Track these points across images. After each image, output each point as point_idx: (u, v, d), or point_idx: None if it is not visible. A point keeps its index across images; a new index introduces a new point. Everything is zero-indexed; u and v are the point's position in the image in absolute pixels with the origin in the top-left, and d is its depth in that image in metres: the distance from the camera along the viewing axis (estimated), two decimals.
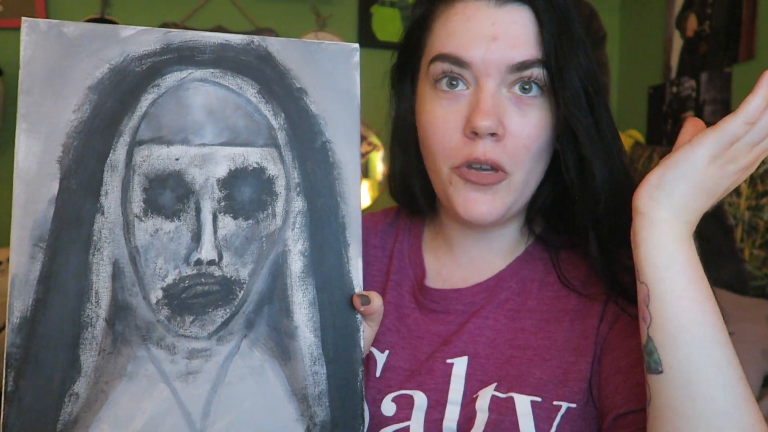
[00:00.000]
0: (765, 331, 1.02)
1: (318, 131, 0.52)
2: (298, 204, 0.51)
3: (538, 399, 0.55)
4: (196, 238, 0.48)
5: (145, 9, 1.94)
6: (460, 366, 0.59)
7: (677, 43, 1.87)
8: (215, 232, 0.48)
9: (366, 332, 0.53)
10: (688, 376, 0.45)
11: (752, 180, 1.26)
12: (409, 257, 0.66)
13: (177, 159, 0.48)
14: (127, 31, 0.48)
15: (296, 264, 0.51)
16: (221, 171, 0.49)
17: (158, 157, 0.47)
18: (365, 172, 2.09)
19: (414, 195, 0.65)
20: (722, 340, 0.46)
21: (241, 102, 0.50)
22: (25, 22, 0.46)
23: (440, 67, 0.56)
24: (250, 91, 0.50)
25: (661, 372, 0.45)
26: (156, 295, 0.47)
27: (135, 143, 0.47)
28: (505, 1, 0.54)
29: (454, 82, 0.55)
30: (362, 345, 0.52)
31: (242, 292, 0.49)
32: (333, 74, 0.54)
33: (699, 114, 1.74)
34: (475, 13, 0.54)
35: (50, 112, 0.45)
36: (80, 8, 1.90)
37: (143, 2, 1.93)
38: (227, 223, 0.49)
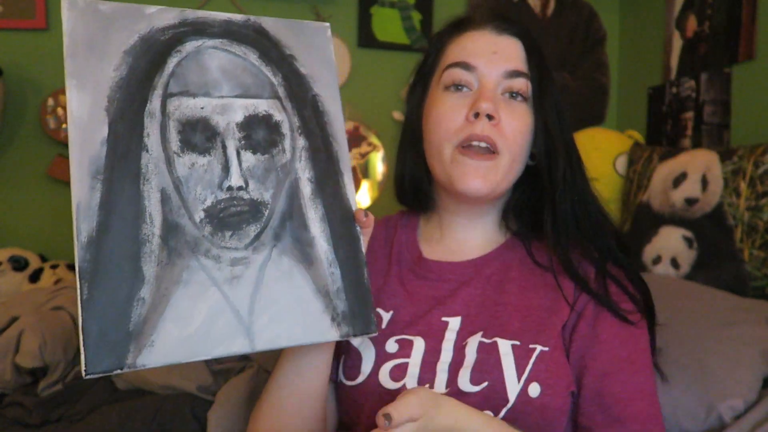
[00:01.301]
0: (765, 332, 1.02)
1: (308, 87, 0.64)
2: (301, 142, 0.63)
3: (518, 342, 0.68)
4: (226, 169, 0.57)
5: None
6: (453, 323, 0.72)
7: (677, 44, 1.87)
8: (240, 164, 0.58)
9: (363, 241, 0.66)
10: None
11: (752, 180, 1.26)
12: (407, 245, 0.83)
13: (202, 108, 0.58)
14: (151, 9, 0.58)
15: (306, 188, 0.62)
16: (239, 117, 0.59)
17: (187, 106, 0.57)
18: (365, 172, 2.09)
19: (421, 186, 0.81)
20: None
21: (247, 64, 0.61)
22: (66, 2, 0.55)
23: (452, 73, 0.74)
24: (252, 56, 0.62)
25: None
26: (199, 215, 0.56)
27: (167, 95, 0.57)
28: (502, 32, 0.75)
29: (460, 87, 0.74)
30: (363, 249, 0.65)
31: (267, 210, 0.59)
32: (314, 45, 0.66)
33: (699, 114, 1.74)
34: (480, 37, 0.75)
35: (94, 71, 0.54)
36: None
37: (143, 2, 1.93)
38: (248, 158, 0.59)
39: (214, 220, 0.56)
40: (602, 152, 1.71)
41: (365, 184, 2.08)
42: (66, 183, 1.92)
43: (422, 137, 0.78)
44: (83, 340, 0.49)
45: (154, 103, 0.56)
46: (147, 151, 0.55)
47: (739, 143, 1.56)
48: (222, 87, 0.59)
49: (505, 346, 0.68)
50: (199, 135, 0.57)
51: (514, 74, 0.72)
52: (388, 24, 2.06)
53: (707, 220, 1.34)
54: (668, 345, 0.95)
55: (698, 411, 0.91)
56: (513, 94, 0.73)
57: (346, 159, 0.65)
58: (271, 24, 0.64)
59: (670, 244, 1.41)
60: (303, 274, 0.60)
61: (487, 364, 0.67)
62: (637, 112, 2.07)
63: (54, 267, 1.84)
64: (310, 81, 0.65)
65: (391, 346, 0.73)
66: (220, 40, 0.60)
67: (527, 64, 0.73)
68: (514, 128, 0.72)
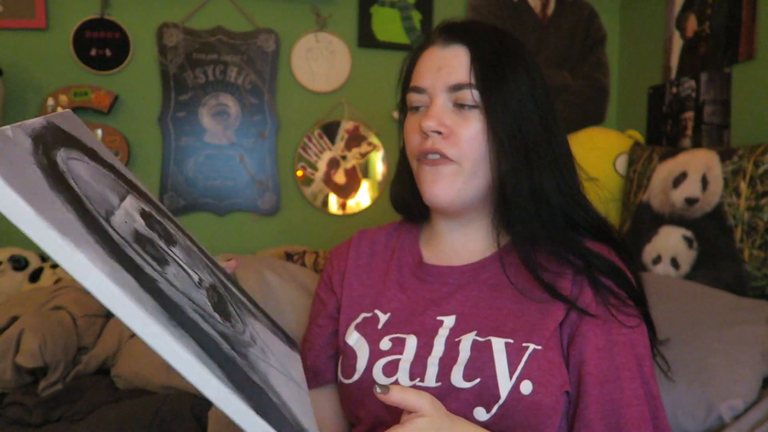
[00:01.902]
0: (765, 332, 1.02)
1: (126, 178, 0.61)
2: (169, 223, 0.62)
3: (511, 341, 0.70)
4: (183, 269, 0.55)
5: (145, 10, 1.93)
6: (448, 322, 0.75)
7: (677, 44, 1.87)
8: (181, 259, 0.56)
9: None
10: None
11: (752, 180, 1.26)
12: (408, 249, 0.86)
13: (125, 222, 0.51)
14: (7, 131, 0.44)
15: (204, 257, 0.65)
16: (139, 218, 0.54)
17: (120, 224, 0.49)
18: (365, 172, 2.09)
19: (409, 203, 0.87)
20: None
21: (92, 168, 0.53)
22: None
23: (409, 97, 0.80)
24: (86, 158, 0.54)
25: None
26: (217, 317, 0.54)
27: (106, 221, 0.48)
28: (449, 42, 0.77)
29: (417, 107, 0.79)
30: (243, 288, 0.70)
31: (220, 289, 0.60)
32: (85, 131, 0.58)
33: (699, 114, 1.74)
34: (429, 55, 0.79)
35: (64, 221, 0.42)
36: (80, 8, 1.89)
37: (143, 3, 1.93)
38: (177, 251, 0.57)
39: (220, 315, 0.56)
40: (602, 152, 1.71)
41: (365, 184, 2.09)
42: None
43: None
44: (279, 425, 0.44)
45: (110, 231, 0.47)
46: (157, 281, 0.46)
47: (739, 143, 1.56)
48: (110, 196, 0.51)
49: (498, 344, 0.70)
50: (150, 247, 0.51)
51: (457, 87, 0.75)
52: (388, 24, 2.06)
53: (707, 220, 1.34)
54: (668, 345, 0.95)
55: (698, 411, 0.91)
56: (461, 105, 0.76)
57: (166, 210, 0.66)
58: (61, 122, 0.54)
59: (670, 244, 1.41)
60: (261, 325, 0.64)
61: (480, 361, 0.69)
62: (637, 112, 2.07)
63: (54, 267, 1.84)
64: (116, 165, 0.60)
65: (385, 344, 0.75)
66: (62, 149, 0.50)
67: (472, 72, 0.75)
68: (466, 135, 0.74)
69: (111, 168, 0.58)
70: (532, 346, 0.69)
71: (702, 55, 1.75)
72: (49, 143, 0.48)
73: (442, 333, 0.73)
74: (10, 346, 1.29)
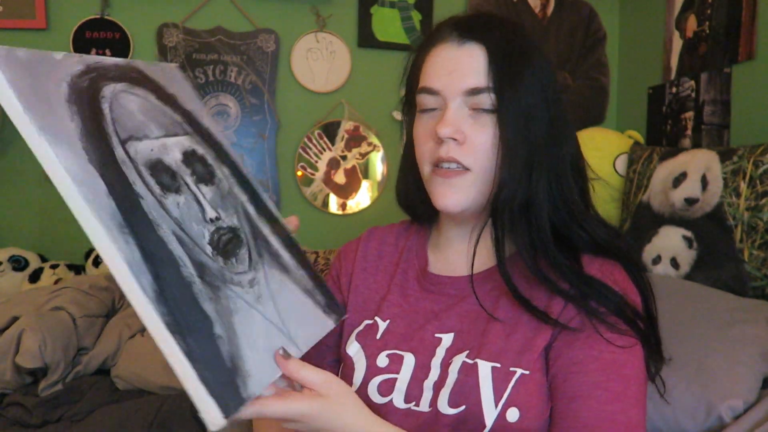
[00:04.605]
0: (765, 332, 1.02)
1: (198, 121, 0.65)
2: (225, 170, 0.65)
3: (498, 365, 0.67)
4: (199, 204, 0.58)
5: (145, 9, 1.93)
6: (446, 340, 0.72)
7: (677, 44, 1.87)
8: (205, 196, 0.59)
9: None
10: None
11: (752, 180, 1.26)
12: (416, 252, 0.84)
13: (152, 150, 0.57)
14: (58, 55, 0.53)
15: (250, 208, 0.65)
16: (178, 155, 0.59)
17: (142, 150, 0.56)
18: (365, 172, 2.09)
19: (415, 205, 0.83)
20: None
21: (153, 105, 0.60)
22: None
23: (420, 98, 0.74)
24: (151, 97, 0.61)
25: None
26: (207, 250, 0.56)
27: (123, 142, 0.54)
28: (464, 41, 0.72)
29: (429, 109, 0.74)
30: (299, 246, 0.69)
31: (242, 234, 0.62)
32: (180, 83, 0.67)
33: (699, 114, 1.74)
34: (442, 53, 0.73)
35: (57, 123, 0.49)
36: (80, 8, 1.89)
37: (143, 3, 1.93)
38: (206, 190, 0.60)
39: (219, 251, 0.57)
40: (602, 152, 1.71)
41: (365, 184, 2.08)
42: None
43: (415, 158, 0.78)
44: (205, 389, 0.47)
45: (119, 151, 0.53)
46: (141, 198, 0.52)
47: (739, 143, 1.56)
48: (150, 128, 0.58)
49: (485, 369, 0.67)
50: (165, 175, 0.56)
51: (474, 92, 0.70)
52: (388, 24, 2.06)
53: (707, 220, 1.33)
54: (668, 345, 0.95)
55: (698, 411, 0.91)
56: (478, 110, 0.71)
57: (252, 176, 0.69)
58: (145, 67, 0.63)
59: (669, 244, 1.41)
60: (289, 280, 0.64)
61: (466, 386, 0.67)
62: (637, 112, 2.07)
63: (54, 267, 1.84)
64: (197, 116, 0.65)
65: (382, 360, 0.73)
66: (123, 83, 0.58)
67: (489, 74, 0.70)
68: (481, 142, 0.70)
69: (183, 113, 0.64)
70: (519, 371, 0.66)
71: (702, 55, 1.75)
72: (106, 76, 0.56)
73: (439, 353, 0.71)
74: (10, 347, 1.29)
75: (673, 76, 1.88)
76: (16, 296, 1.56)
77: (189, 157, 0.60)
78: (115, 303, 1.58)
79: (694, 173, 1.38)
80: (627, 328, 0.66)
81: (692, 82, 1.78)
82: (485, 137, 0.70)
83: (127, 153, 0.54)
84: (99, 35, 1.90)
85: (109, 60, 0.59)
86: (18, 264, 1.83)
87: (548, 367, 0.68)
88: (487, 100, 0.70)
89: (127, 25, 1.92)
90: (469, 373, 0.67)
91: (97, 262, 1.85)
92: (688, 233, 1.37)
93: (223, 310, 0.54)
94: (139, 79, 0.60)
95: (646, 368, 0.69)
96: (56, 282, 1.76)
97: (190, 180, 0.58)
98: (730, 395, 0.91)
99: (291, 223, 0.71)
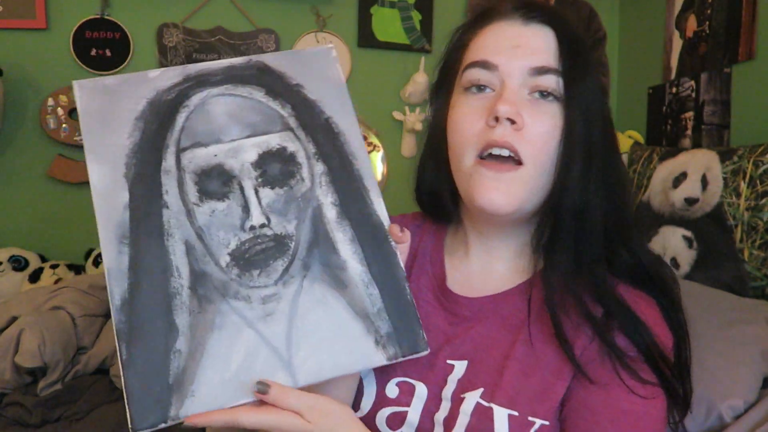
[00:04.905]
0: (765, 332, 1.02)
1: (319, 111, 0.64)
2: (319, 167, 0.62)
3: (515, 413, 0.60)
4: (246, 209, 0.58)
5: (145, 10, 1.93)
6: (459, 368, 0.64)
7: (677, 44, 1.87)
8: (260, 202, 0.59)
9: (400, 256, 0.61)
10: None
11: (752, 180, 1.26)
12: (431, 256, 0.74)
13: (215, 155, 0.59)
14: (154, 73, 0.61)
15: (330, 212, 0.61)
16: (252, 156, 0.60)
17: (200, 156, 0.59)
18: None
19: (442, 199, 0.72)
20: None
21: (254, 103, 0.62)
22: (76, 84, 0.60)
23: (471, 73, 0.65)
24: (258, 94, 0.62)
25: None
26: (224, 260, 0.56)
27: (180, 150, 0.59)
28: (529, 20, 0.64)
29: (482, 87, 0.64)
30: (402, 265, 0.61)
31: (293, 242, 0.59)
32: (319, 70, 0.66)
33: (699, 114, 1.74)
34: (503, 29, 0.65)
35: (109, 142, 0.58)
36: (80, 8, 1.89)
37: (143, 3, 1.93)
38: (267, 194, 0.59)
39: (240, 261, 0.57)
40: None
41: None
42: (66, 183, 1.92)
43: (446, 145, 0.68)
44: (127, 398, 0.50)
45: (169, 160, 0.58)
46: (167, 207, 0.57)
47: (739, 143, 1.56)
48: (231, 131, 0.60)
49: (501, 417, 0.60)
50: (215, 181, 0.58)
51: (541, 71, 0.62)
52: (388, 24, 2.06)
53: (707, 220, 1.33)
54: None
55: (698, 410, 0.91)
56: (542, 94, 0.63)
57: (370, 175, 0.63)
58: (272, 59, 0.65)
59: (670, 243, 1.41)
60: (338, 299, 0.58)
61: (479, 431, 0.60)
62: (637, 112, 2.07)
63: (54, 267, 1.84)
64: (320, 106, 0.64)
65: (392, 389, 0.66)
66: (224, 86, 0.62)
67: (558, 57, 0.63)
68: (541, 132, 0.61)
69: (298, 105, 0.63)
70: (538, 422, 0.59)
71: (702, 55, 1.75)
72: (206, 82, 0.62)
73: (451, 383, 0.63)
74: (9, 346, 1.29)
75: (673, 76, 1.88)
76: (16, 296, 1.56)
77: (265, 157, 0.60)
78: None
79: (694, 173, 1.38)
80: (652, 376, 0.59)
81: (692, 82, 1.78)
82: (544, 127, 0.62)
83: (178, 161, 0.58)
84: (99, 35, 1.90)
85: (220, 64, 0.63)
86: (18, 264, 1.83)
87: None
88: (552, 83, 0.62)
89: (127, 25, 1.92)
90: (483, 417, 0.60)
91: (97, 262, 1.85)
92: (688, 233, 1.37)
93: (201, 325, 0.54)
94: (250, 77, 0.63)
95: (668, 415, 0.62)
96: (56, 282, 1.76)
97: (249, 184, 0.59)
98: (730, 395, 0.91)
99: (394, 234, 0.61)
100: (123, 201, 0.56)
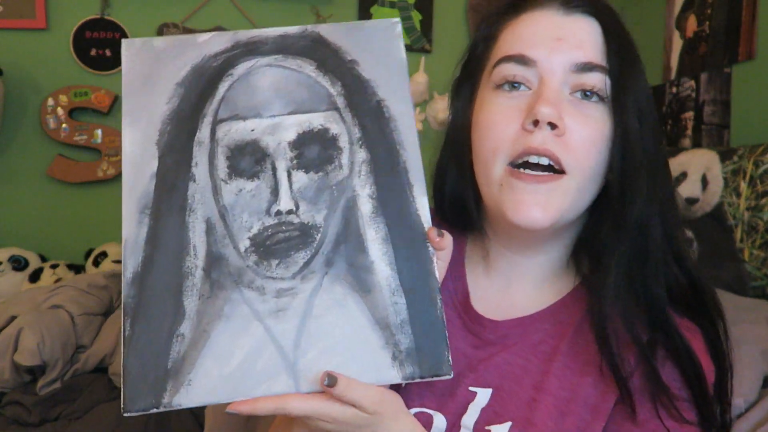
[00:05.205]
0: (765, 332, 1.02)
1: (372, 92, 0.58)
2: (362, 155, 0.56)
3: None
4: (275, 192, 0.54)
5: (145, 10, 1.94)
6: (482, 396, 0.58)
7: (677, 44, 1.87)
8: (290, 186, 0.54)
9: (437, 267, 0.54)
10: None
11: (752, 180, 1.26)
12: (451, 269, 0.62)
13: (252, 130, 0.55)
14: (203, 37, 0.58)
15: (365, 206, 0.55)
16: (291, 135, 0.56)
17: (236, 130, 0.55)
18: None
19: (467, 207, 0.63)
20: None
21: (302, 78, 0.57)
22: (124, 42, 0.57)
23: (504, 69, 0.57)
24: (308, 68, 0.58)
25: None
26: (244, 244, 0.53)
27: (217, 122, 0.55)
28: (571, 10, 0.57)
29: (516, 85, 0.57)
30: (437, 275, 0.54)
31: (319, 234, 0.54)
32: (379, 45, 0.60)
33: (699, 114, 1.74)
34: (541, 19, 0.57)
35: (147, 107, 0.55)
36: (80, 8, 1.90)
37: (143, 3, 1.93)
38: (300, 177, 0.55)
39: (260, 248, 0.53)
40: None
41: None
42: (66, 183, 1.92)
43: (469, 148, 0.61)
44: (123, 377, 0.49)
45: (204, 131, 0.55)
46: (194, 181, 0.54)
47: (739, 143, 1.56)
48: (273, 106, 0.56)
49: None
50: (248, 159, 0.55)
51: (587, 67, 0.55)
52: None
53: (707, 220, 1.33)
54: None
55: None
56: (586, 94, 0.55)
57: (417, 169, 0.56)
58: (330, 30, 0.60)
59: None
60: (359, 304, 0.53)
61: None
62: None
63: (54, 267, 1.84)
64: (374, 86, 0.58)
65: None
66: (274, 56, 0.58)
67: (605, 53, 0.56)
68: (585, 138, 0.54)
69: (350, 83, 0.58)
70: None
71: (702, 55, 1.75)
72: (255, 50, 0.58)
73: (472, 413, 0.57)
74: (8, 345, 1.29)
75: (673, 76, 1.88)
76: (15, 296, 1.56)
77: (305, 137, 0.56)
78: (113, 301, 1.58)
79: (695, 173, 1.38)
80: (692, 416, 0.54)
81: (692, 82, 1.78)
82: (589, 131, 0.55)
83: (213, 133, 0.55)
84: (99, 35, 1.91)
85: (273, 32, 0.58)
86: (18, 264, 1.83)
87: None
88: (598, 82, 0.55)
89: (127, 25, 1.92)
90: None
91: (97, 262, 1.85)
92: (689, 233, 1.37)
93: (209, 311, 0.51)
94: (302, 48, 0.58)
95: None
96: (56, 282, 1.76)
97: (282, 165, 0.55)
98: None
99: (431, 238, 0.53)
100: (151, 170, 0.54)
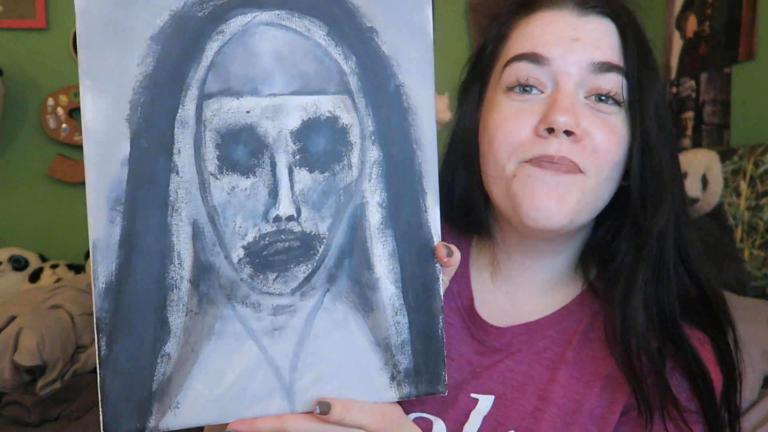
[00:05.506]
0: (765, 331, 1.02)
1: (391, 74, 0.48)
2: (374, 153, 0.48)
3: None
4: (273, 194, 0.46)
5: None
6: (484, 404, 0.57)
7: (677, 44, 1.87)
8: (292, 186, 0.46)
9: (442, 282, 0.51)
10: None
11: (752, 180, 1.26)
12: (457, 275, 0.60)
13: (248, 112, 0.45)
14: None
15: (374, 216, 0.49)
16: (294, 122, 0.46)
17: (229, 110, 0.45)
18: None
19: (476, 210, 0.61)
20: None
21: (310, 46, 0.47)
22: None
23: (516, 68, 0.54)
24: (318, 33, 0.47)
25: None
26: (237, 254, 0.46)
27: (204, 96, 0.45)
28: (586, 11, 0.54)
29: (528, 88, 0.54)
30: (441, 293, 0.50)
31: (322, 246, 0.48)
32: (404, 11, 0.48)
33: (699, 114, 1.74)
34: (555, 19, 0.55)
35: (113, 67, 0.43)
36: None
37: None
38: (303, 177, 0.47)
39: (255, 259, 0.46)
40: None
41: None
42: (66, 183, 1.92)
43: (477, 151, 0.59)
44: (101, 398, 0.44)
45: (187, 108, 0.45)
46: (177, 173, 0.44)
47: (739, 143, 1.56)
48: (274, 81, 0.46)
49: None
50: (243, 149, 0.45)
51: (604, 67, 0.53)
52: None
53: (707, 220, 1.33)
54: None
55: None
56: (601, 98, 0.53)
57: (433, 173, 0.49)
58: None
59: None
60: (360, 324, 0.49)
61: None
62: None
63: (54, 267, 1.84)
64: (394, 65, 0.48)
65: None
66: (277, 12, 0.46)
67: (622, 55, 0.53)
68: (604, 143, 0.52)
69: (365, 61, 0.48)
70: None
71: (702, 55, 1.75)
72: (253, 1, 0.45)
73: (474, 419, 0.56)
74: (8, 345, 1.29)
75: (673, 76, 1.88)
76: (15, 296, 1.57)
77: (310, 126, 0.47)
78: None
79: (695, 173, 1.38)
80: (699, 428, 0.53)
81: (692, 82, 1.78)
82: (608, 138, 0.53)
83: (199, 111, 0.44)
84: None
85: None
86: (18, 264, 1.83)
87: None
88: (614, 84, 0.53)
89: None
90: None
91: None
92: None
93: (197, 329, 0.46)
94: (312, 5, 0.47)
95: None
96: (56, 282, 1.77)
97: (283, 160, 0.46)
98: None
99: (440, 255, 0.49)
100: (122, 154, 0.43)
